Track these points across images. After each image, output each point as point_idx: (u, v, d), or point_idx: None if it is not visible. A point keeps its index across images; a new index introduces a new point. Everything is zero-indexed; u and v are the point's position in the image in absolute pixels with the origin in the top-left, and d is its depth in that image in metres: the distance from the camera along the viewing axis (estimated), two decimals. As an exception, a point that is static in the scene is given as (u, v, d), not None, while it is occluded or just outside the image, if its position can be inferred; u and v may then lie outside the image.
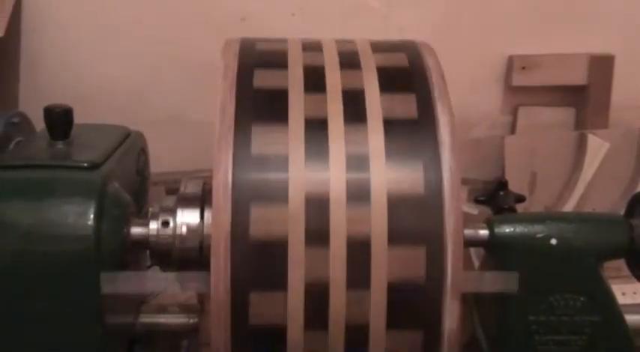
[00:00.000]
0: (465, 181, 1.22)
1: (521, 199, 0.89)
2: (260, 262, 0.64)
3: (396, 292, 0.64)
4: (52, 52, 1.24)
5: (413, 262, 0.64)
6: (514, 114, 1.35)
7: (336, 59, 0.72)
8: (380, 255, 0.64)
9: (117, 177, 0.75)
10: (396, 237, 0.64)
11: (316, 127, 0.67)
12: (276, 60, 0.72)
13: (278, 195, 0.64)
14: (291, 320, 0.64)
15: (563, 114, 1.36)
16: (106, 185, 0.71)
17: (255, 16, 1.24)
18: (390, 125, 0.67)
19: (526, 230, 0.74)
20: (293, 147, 0.65)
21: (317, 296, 0.64)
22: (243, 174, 0.65)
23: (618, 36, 1.33)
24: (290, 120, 0.67)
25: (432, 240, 0.64)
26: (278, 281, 0.63)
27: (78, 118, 0.81)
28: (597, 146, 1.30)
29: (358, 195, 0.64)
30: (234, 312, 0.64)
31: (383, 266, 0.64)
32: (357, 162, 0.65)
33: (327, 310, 0.64)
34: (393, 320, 0.65)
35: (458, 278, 0.64)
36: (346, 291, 0.64)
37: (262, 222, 0.64)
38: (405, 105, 0.69)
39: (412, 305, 0.65)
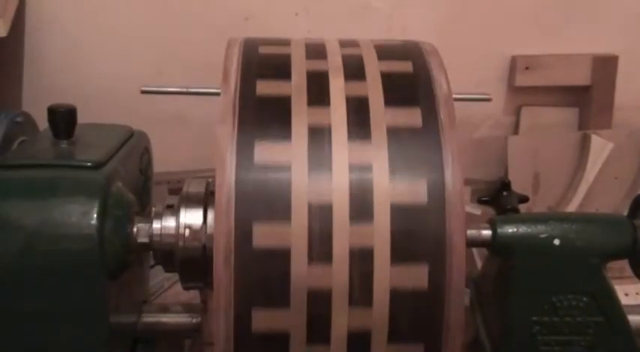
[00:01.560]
0: (467, 182, 1.22)
1: (524, 200, 0.89)
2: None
3: (399, 302, 0.64)
4: (55, 52, 1.24)
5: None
6: (517, 114, 1.35)
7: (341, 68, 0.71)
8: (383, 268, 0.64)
9: (120, 176, 0.75)
10: (398, 254, 0.64)
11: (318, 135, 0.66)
12: (279, 68, 0.71)
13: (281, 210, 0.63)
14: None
15: (566, 115, 1.36)
16: (110, 184, 0.71)
17: (258, 15, 1.24)
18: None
19: (529, 230, 0.74)
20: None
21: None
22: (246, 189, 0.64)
23: (622, 36, 1.33)
24: (293, 134, 0.66)
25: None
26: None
27: (81, 118, 0.82)
28: (600, 146, 1.30)
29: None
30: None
31: (386, 279, 0.64)
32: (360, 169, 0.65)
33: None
34: (395, 331, 0.65)
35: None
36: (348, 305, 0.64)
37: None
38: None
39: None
